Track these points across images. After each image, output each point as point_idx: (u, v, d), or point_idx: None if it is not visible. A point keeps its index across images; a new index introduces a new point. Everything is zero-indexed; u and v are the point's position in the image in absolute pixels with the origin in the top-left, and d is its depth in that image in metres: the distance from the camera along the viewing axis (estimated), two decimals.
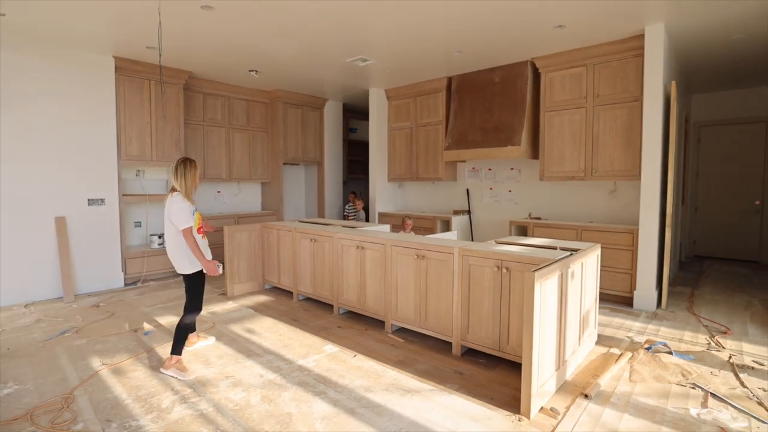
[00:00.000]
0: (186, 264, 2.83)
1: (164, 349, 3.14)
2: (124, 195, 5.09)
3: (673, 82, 4.07)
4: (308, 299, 4.47)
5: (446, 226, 5.72)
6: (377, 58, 4.90)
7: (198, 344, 3.19)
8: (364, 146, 8.06)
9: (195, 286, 2.89)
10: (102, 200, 4.84)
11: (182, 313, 2.87)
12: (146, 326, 3.68)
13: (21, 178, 4.31)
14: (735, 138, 6.31)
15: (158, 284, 5.16)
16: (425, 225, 5.83)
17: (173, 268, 5.54)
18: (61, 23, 3.83)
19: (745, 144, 6.24)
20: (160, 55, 4.19)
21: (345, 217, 7.32)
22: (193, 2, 3.38)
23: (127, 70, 4.94)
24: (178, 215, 2.73)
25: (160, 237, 5.44)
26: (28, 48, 4.29)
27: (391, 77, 5.77)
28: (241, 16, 3.66)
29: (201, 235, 2.91)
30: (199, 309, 2.93)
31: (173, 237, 2.83)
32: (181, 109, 5.46)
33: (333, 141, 7.47)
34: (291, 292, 4.57)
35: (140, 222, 5.59)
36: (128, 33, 4.10)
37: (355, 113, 8.22)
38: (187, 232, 2.73)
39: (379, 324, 3.66)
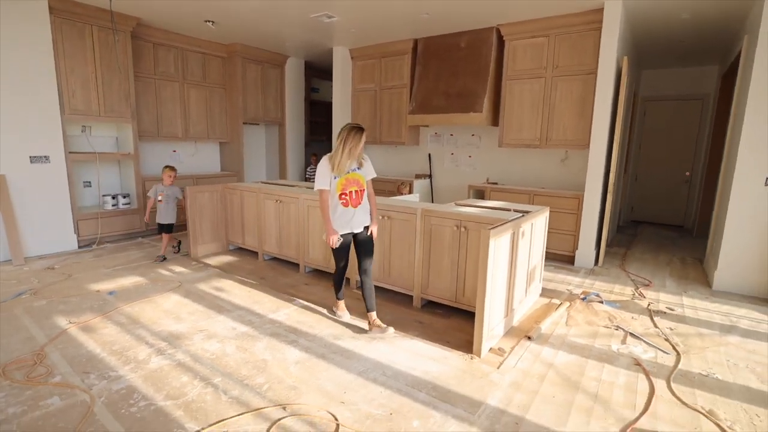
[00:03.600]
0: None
1: (131, 308, 3.16)
2: (70, 152, 4.76)
3: (626, 57, 4.33)
4: (274, 259, 4.55)
5: (408, 190, 5.90)
6: (343, 15, 4.78)
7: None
8: (326, 107, 7.92)
9: (337, 251, 2.84)
10: (46, 158, 4.50)
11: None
12: (108, 288, 3.63)
13: None
14: (675, 113, 6.85)
15: (115, 246, 5.01)
16: (388, 188, 5.98)
17: (130, 229, 5.57)
18: None
19: (682, 119, 6.80)
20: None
21: (307, 179, 7.32)
22: None
23: (64, 12, 4.44)
24: (316, 176, 2.75)
25: (113, 198, 5.21)
26: None
27: (356, 36, 5.65)
28: None
29: (342, 202, 2.73)
30: (338, 269, 2.96)
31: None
32: (129, 60, 5.06)
33: (294, 101, 7.28)
34: (256, 253, 4.62)
35: (90, 182, 5.30)
36: None
37: (318, 72, 7.98)
38: (321, 195, 2.74)
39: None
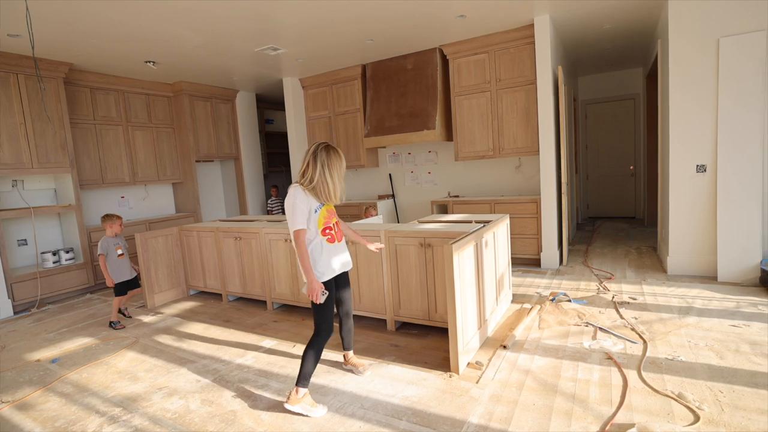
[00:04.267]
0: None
1: (78, 375, 2.87)
2: (1, 210, 4.42)
3: (560, 67, 4.61)
4: (239, 299, 4.35)
5: (376, 212, 5.88)
6: (288, 46, 4.81)
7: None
8: (283, 137, 7.88)
9: (314, 303, 2.19)
10: None
11: (309, 341, 2.24)
12: (49, 355, 3.30)
13: None
14: (612, 114, 7.36)
15: (59, 307, 4.59)
16: (352, 212, 5.94)
17: (76, 285, 5.15)
18: None
19: (619, 118, 7.31)
20: (33, 47, 3.65)
21: (269, 212, 7.16)
22: None
23: None
24: (289, 213, 2.14)
25: (54, 254, 4.82)
26: None
27: (304, 66, 5.70)
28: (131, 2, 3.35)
29: (326, 238, 2.22)
30: (323, 333, 2.23)
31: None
32: (63, 107, 4.81)
33: (249, 134, 7.18)
34: (220, 294, 4.40)
35: (26, 239, 4.89)
36: None
37: (271, 104, 7.97)
38: (296, 237, 2.13)
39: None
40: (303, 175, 2.19)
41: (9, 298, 4.39)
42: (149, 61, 4.99)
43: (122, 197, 5.93)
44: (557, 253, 4.68)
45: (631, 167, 7.33)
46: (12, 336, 3.77)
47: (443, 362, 2.63)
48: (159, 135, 6.06)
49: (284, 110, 6.85)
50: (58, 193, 5.12)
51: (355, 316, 3.48)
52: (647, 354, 2.55)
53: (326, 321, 2.23)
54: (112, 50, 4.51)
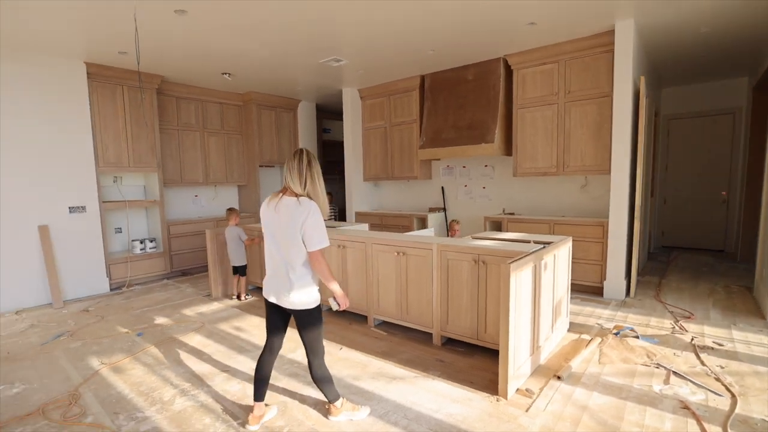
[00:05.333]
0: (304, 296, 2.05)
1: (157, 349, 3.22)
2: (104, 202, 5.07)
3: (642, 77, 4.24)
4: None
5: (422, 224, 5.83)
6: (350, 58, 4.96)
7: (267, 416, 2.26)
8: (338, 146, 8.09)
9: (316, 324, 2.13)
10: (83, 207, 4.82)
11: (310, 367, 2.17)
12: (137, 329, 3.71)
13: (2, 187, 4.26)
14: (703, 130, 6.52)
15: (143, 288, 5.17)
16: (402, 223, 5.93)
17: (156, 271, 5.74)
18: (31, 28, 3.76)
19: (712, 136, 6.46)
20: (138, 63, 4.13)
21: None
22: (166, 6, 3.37)
23: (98, 75, 4.89)
24: (316, 230, 1.96)
25: (141, 242, 5.44)
26: (2, 55, 4.19)
27: (364, 77, 5.84)
28: (214, 19, 3.67)
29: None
30: (323, 351, 2.20)
31: (290, 258, 2.02)
32: (155, 114, 5.42)
33: (307, 142, 7.50)
34: None
35: (121, 228, 5.55)
36: (99, 38, 4.06)
37: (329, 113, 8.26)
38: (319, 256, 2.02)
39: (362, 318, 3.75)
40: (305, 188, 2.01)
41: (107, 277, 5.05)
42: (225, 73, 5.42)
43: (196, 196, 6.46)
44: (623, 283, 4.29)
45: (723, 193, 6.51)
46: (108, 309, 4.35)
47: (490, 384, 2.51)
48: (229, 141, 6.55)
49: (341, 120, 7.07)
50: (146, 189, 5.73)
51: (400, 326, 3.47)
52: (737, 410, 2.22)
53: (321, 339, 2.17)
54: (194, 64, 4.97)
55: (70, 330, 3.72)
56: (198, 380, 2.70)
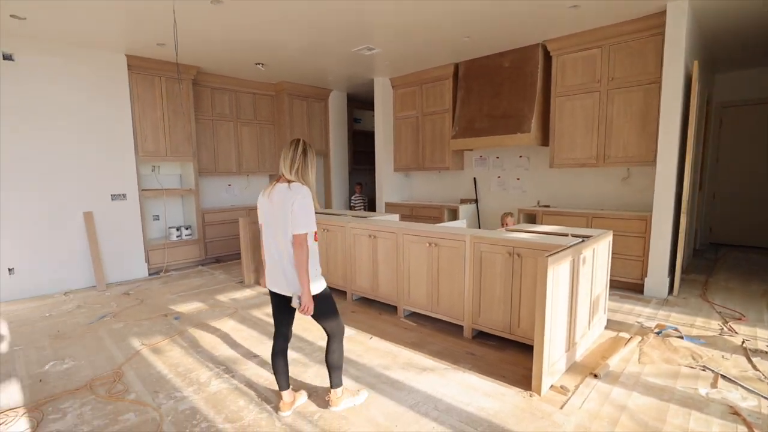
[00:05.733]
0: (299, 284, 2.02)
1: (193, 332, 3.35)
2: (143, 190, 5.27)
3: (696, 62, 3.96)
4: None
5: (453, 215, 5.75)
6: (383, 46, 4.89)
7: (298, 401, 2.30)
8: (369, 136, 8.09)
9: (328, 306, 2.14)
10: (124, 195, 5.04)
11: (328, 350, 2.20)
12: (174, 312, 3.87)
13: (50, 176, 4.51)
14: (759, 119, 6.04)
15: (179, 274, 5.38)
16: (433, 214, 5.87)
17: (191, 258, 5.95)
18: (76, 24, 3.93)
19: None
20: (176, 54, 4.26)
21: (351, 208, 7.41)
22: None
23: (138, 67, 5.05)
24: (302, 213, 1.95)
25: (177, 229, 5.65)
26: (46, 50, 4.39)
27: (396, 66, 5.76)
28: (249, 8, 3.69)
29: (317, 243, 2.14)
30: (342, 331, 2.22)
31: (286, 246, 2.00)
32: (191, 105, 5.56)
33: (338, 132, 7.52)
34: None
35: (158, 215, 5.77)
36: (139, 31, 4.18)
37: (360, 103, 8.23)
38: (303, 241, 1.96)
39: (391, 309, 3.75)
40: (297, 174, 2.02)
41: (146, 262, 5.28)
42: (259, 64, 5.48)
43: (229, 185, 6.61)
44: (666, 280, 4.07)
45: None
46: (147, 293, 4.55)
47: (523, 379, 2.46)
48: (262, 131, 6.65)
49: (372, 110, 7.04)
50: (182, 178, 5.92)
51: (430, 318, 3.45)
52: None
53: (339, 320, 2.19)
54: (229, 54, 5.04)
55: (112, 312, 3.93)
56: (232, 364, 2.79)
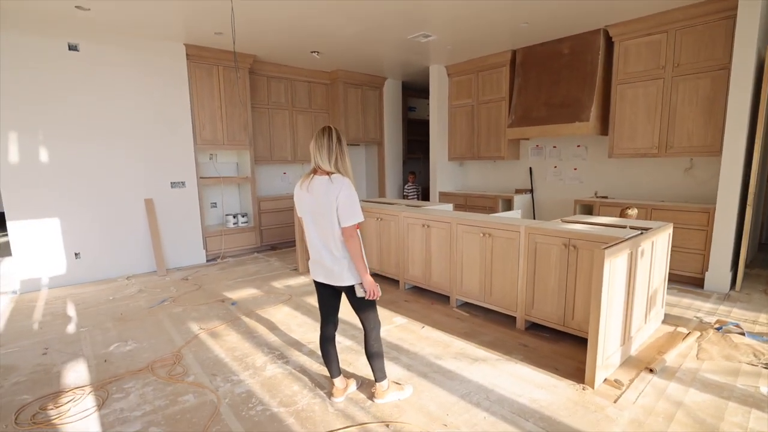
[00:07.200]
0: (350, 272, 2.08)
1: (249, 318, 3.52)
2: (201, 178, 5.46)
3: None
4: (375, 275, 4.75)
5: (508, 206, 5.74)
6: (439, 33, 4.88)
7: (350, 388, 2.39)
8: (423, 125, 8.10)
9: (367, 300, 2.13)
10: (183, 183, 5.25)
11: (365, 340, 2.23)
12: (231, 298, 4.14)
13: (113, 164, 4.76)
14: None
15: (235, 260, 5.64)
16: (487, 204, 5.89)
17: (247, 245, 6.24)
18: (137, 14, 4.05)
19: None
20: (234, 42, 4.44)
21: (405, 197, 7.55)
22: None
23: (196, 56, 5.18)
24: (349, 205, 1.97)
25: (234, 217, 5.86)
26: (108, 40, 4.58)
27: (452, 53, 5.73)
28: None
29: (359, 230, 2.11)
30: (379, 324, 2.24)
31: (330, 237, 2.05)
32: (247, 93, 5.72)
33: (392, 120, 7.57)
34: None
35: (216, 203, 6.05)
36: (198, 20, 4.27)
37: (415, 91, 8.23)
38: (353, 232, 2.01)
39: (444, 299, 3.89)
40: (335, 165, 2.02)
41: (204, 248, 5.57)
42: (314, 52, 5.61)
43: (284, 173, 6.90)
44: (728, 275, 3.93)
45: None
46: (205, 278, 4.81)
47: (576, 372, 2.54)
48: (316, 119, 6.83)
49: (427, 98, 7.03)
50: (239, 166, 6.22)
51: (482, 308, 3.56)
52: None
53: (377, 314, 2.22)
54: (285, 42, 5.15)
55: (172, 296, 4.11)
56: (286, 349, 2.90)
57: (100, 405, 2.31)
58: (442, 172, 6.73)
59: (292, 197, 6.49)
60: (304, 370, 2.64)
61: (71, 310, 3.82)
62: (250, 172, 5.94)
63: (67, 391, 2.46)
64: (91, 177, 4.67)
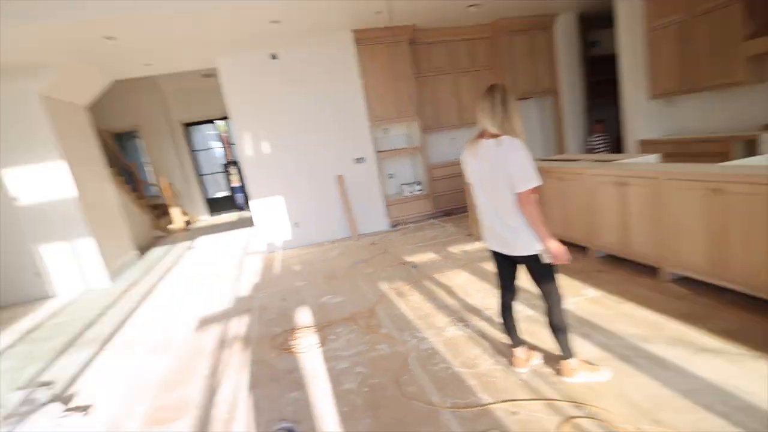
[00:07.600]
0: (527, 240, 1.92)
1: (429, 281, 3.72)
2: (378, 152, 6.02)
3: None
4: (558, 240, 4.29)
5: (750, 150, 4.14)
6: None
7: (533, 360, 2.27)
8: (610, 61, 6.63)
9: (546, 269, 1.97)
10: (364, 158, 5.91)
11: (547, 313, 2.05)
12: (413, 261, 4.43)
13: (312, 149, 5.68)
14: None
15: (414, 227, 6.03)
16: (713, 150, 4.38)
17: (423, 212, 6.54)
18: (317, 16, 4.60)
19: None
20: (390, 17, 4.53)
21: (590, 151, 6.45)
22: None
23: (363, 39, 5.52)
24: (522, 167, 1.81)
25: (409, 186, 6.24)
26: (295, 43, 5.34)
27: None
28: None
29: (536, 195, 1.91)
30: (561, 297, 2.04)
31: (501, 203, 1.92)
32: (409, 64, 5.84)
33: (568, 63, 6.48)
34: None
35: (392, 174, 6.55)
36: (359, 4, 4.57)
37: (595, 22, 6.75)
38: (530, 197, 1.85)
39: (648, 270, 3.17)
40: (501, 127, 1.86)
41: (386, 216, 6.17)
42: (472, 5, 5.21)
43: (452, 138, 6.80)
44: None
45: None
46: (389, 243, 5.33)
47: None
48: (479, 78, 6.39)
49: (612, 26, 5.68)
50: (408, 137, 6.47)
51: (712, 285, 2.73)
52: None
53: (557, 284, 2.02)
54: (441, 3, 4.95)
55: (364, 259, 4.69)
56: (465, 314, 2.96)
57: (322, 342, 2.85)
58: (640, 116, 5.35)
59: (460, 163, 6.39)
60: (484, 335, 2.65)
61: (297, 267, 4.81)
62: (419, 141, 6.14)
63: (298, 329, 3.13)
64: (300, 161, 5.69)
